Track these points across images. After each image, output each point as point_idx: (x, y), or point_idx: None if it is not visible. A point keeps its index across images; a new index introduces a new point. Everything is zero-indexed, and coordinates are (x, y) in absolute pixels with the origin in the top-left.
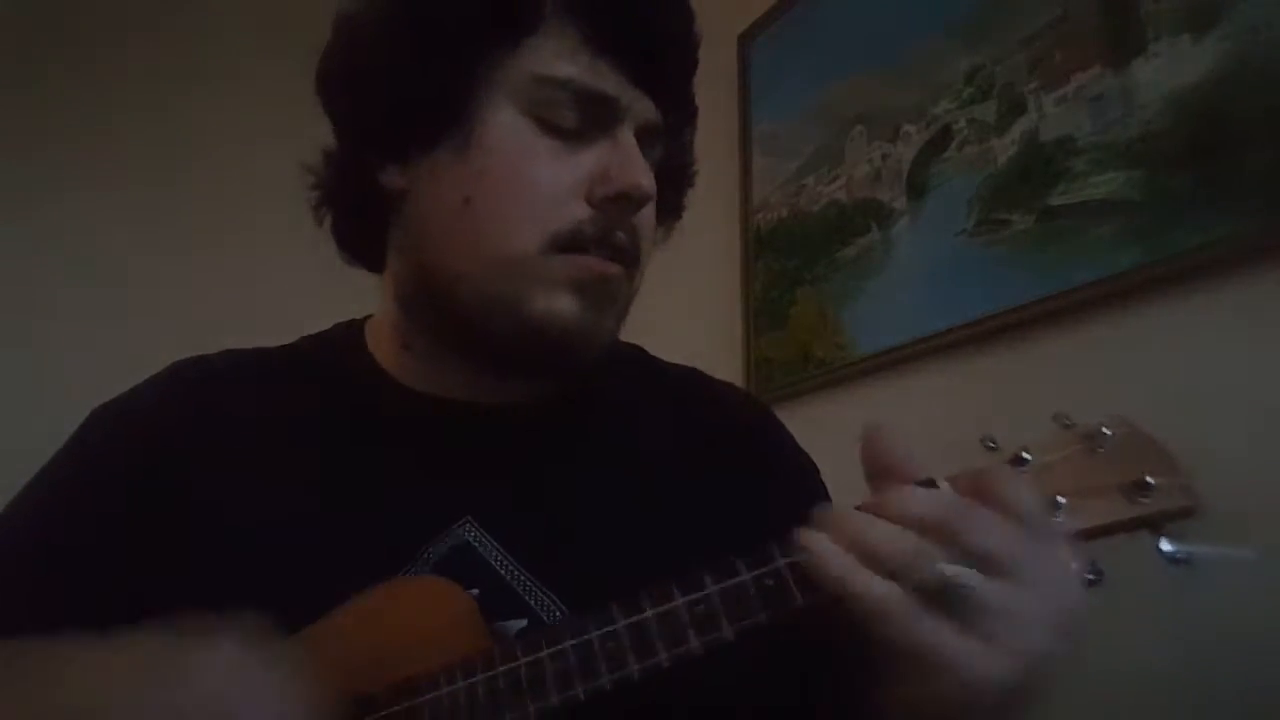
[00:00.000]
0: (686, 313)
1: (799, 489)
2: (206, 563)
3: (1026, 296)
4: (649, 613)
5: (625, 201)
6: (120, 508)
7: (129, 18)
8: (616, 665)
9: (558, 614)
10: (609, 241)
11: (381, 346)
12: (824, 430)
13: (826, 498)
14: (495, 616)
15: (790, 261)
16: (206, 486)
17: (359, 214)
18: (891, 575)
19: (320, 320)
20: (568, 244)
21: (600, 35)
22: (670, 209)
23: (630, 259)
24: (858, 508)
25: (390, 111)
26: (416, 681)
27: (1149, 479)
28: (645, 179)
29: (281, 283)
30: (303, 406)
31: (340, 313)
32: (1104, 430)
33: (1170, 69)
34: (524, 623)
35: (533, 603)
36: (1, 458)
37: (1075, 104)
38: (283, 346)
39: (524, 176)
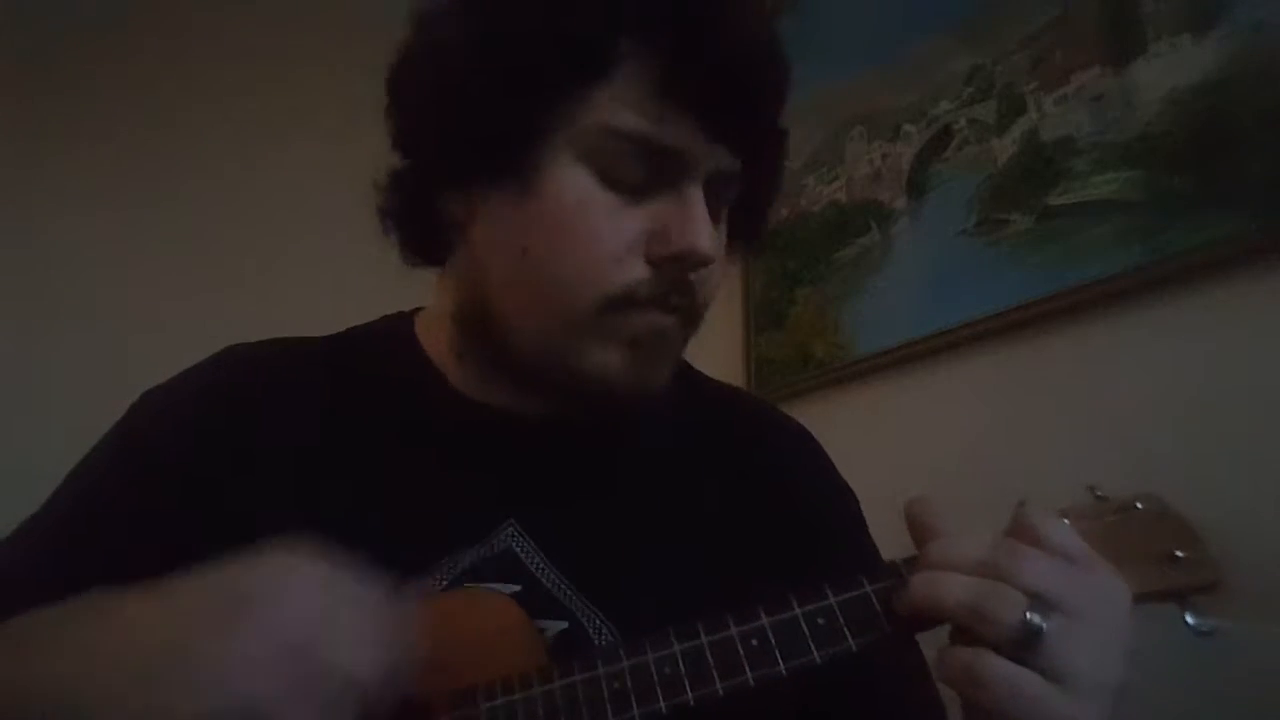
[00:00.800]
0: None
1: (836, 518)
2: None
3: (1026, 296)
4: (704, 639)
5: (682, 264)
6: (159, 495)
7: (137, 21)
8: (673, 690)
9: (597, 621)
10: (665, 302)
11: (436, 346)
12: (824, 430)
13: (863, 525)
14: (534, 617)
15: (790, 261)
16: (248, 478)
17: (421, 230)
18: (969, 630)
19: (327, 321)
20: (622, 303)
21: (672, 86)
22: (747, 234)
23: (688, 315)
24: (905, 560)
25: (453, 143)
26: (474, 691)
27: (1178, 552)
28: (704, 241)
29: (289, 285)
30: (350, 400)
31: (355, 314)
32: (1136, 504)
33: (1170, 69)
34: (564, 624)
35: (572, 607)
36: (2, 458)
37: (1075, 104)
38: (330, 337)
39: (581, 232)
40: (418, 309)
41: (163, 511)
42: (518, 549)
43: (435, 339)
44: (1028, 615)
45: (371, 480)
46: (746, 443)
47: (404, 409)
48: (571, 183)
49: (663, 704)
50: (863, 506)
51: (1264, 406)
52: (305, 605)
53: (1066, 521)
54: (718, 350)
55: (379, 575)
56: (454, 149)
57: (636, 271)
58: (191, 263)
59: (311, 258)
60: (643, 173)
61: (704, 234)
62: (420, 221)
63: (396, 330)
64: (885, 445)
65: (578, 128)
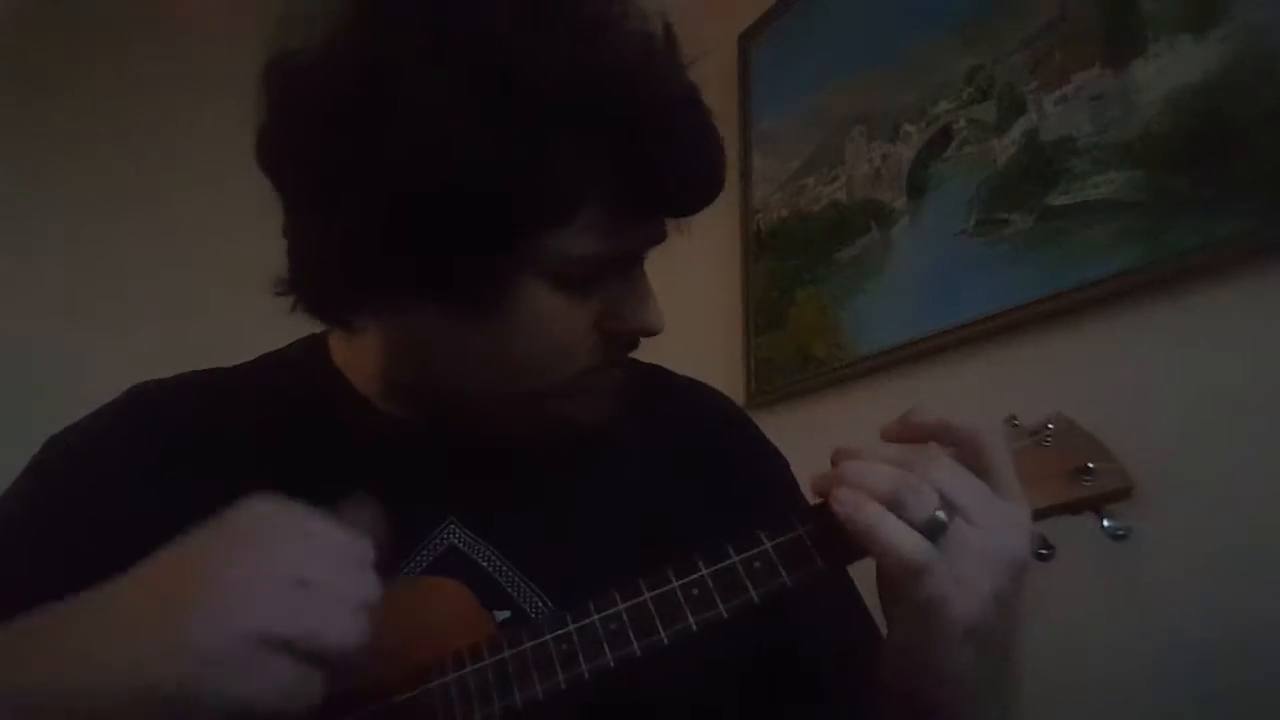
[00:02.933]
0: (686, 313)
1: (771, 483)
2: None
3: (1026, 296)
4: (647, 595)
5: (636, 339)
6: (83, 541)
7: (130, 23)
8: (619, 643)
9: (540, 604)
10: (620, 361)
11: (357, 371)
12: (824, 430)
13: (795, 487)
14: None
15: (790, 261)
16: (175, 515)
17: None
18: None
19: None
20: (584, 375)
21: (631, 210)
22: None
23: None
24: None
25: (386, 272)
26: (426, 668)
27: (1090, 464)
28: (656, 318)
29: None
30: (271, 426)
31: None
32: (1048, 425)
33: (1170, 69)
34: (507, 614)
35: (515, 594)
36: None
37: (1075, 104)
38: (242, 366)
39: (542, 340)
40: (328, 331)
41: (80, 560)
42: (460, 544)
43: (357, 366)
44: (936, 511)
45: (304, 499)
46: (674, 419)
47: (328, 428)
48: (530, 300)
49: (610, 657)
50: None
51: (1264, 406)
52: (300, 537)
53: (997, 432)
54: (718, 350)
55: None
56: (387, 278)
57: (593, 351)
58: (191, 258)
59: None
60: (598, 275)
61: (654, 311)
62: (326, 306)
63: (311, 353)
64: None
65: (538, 256)
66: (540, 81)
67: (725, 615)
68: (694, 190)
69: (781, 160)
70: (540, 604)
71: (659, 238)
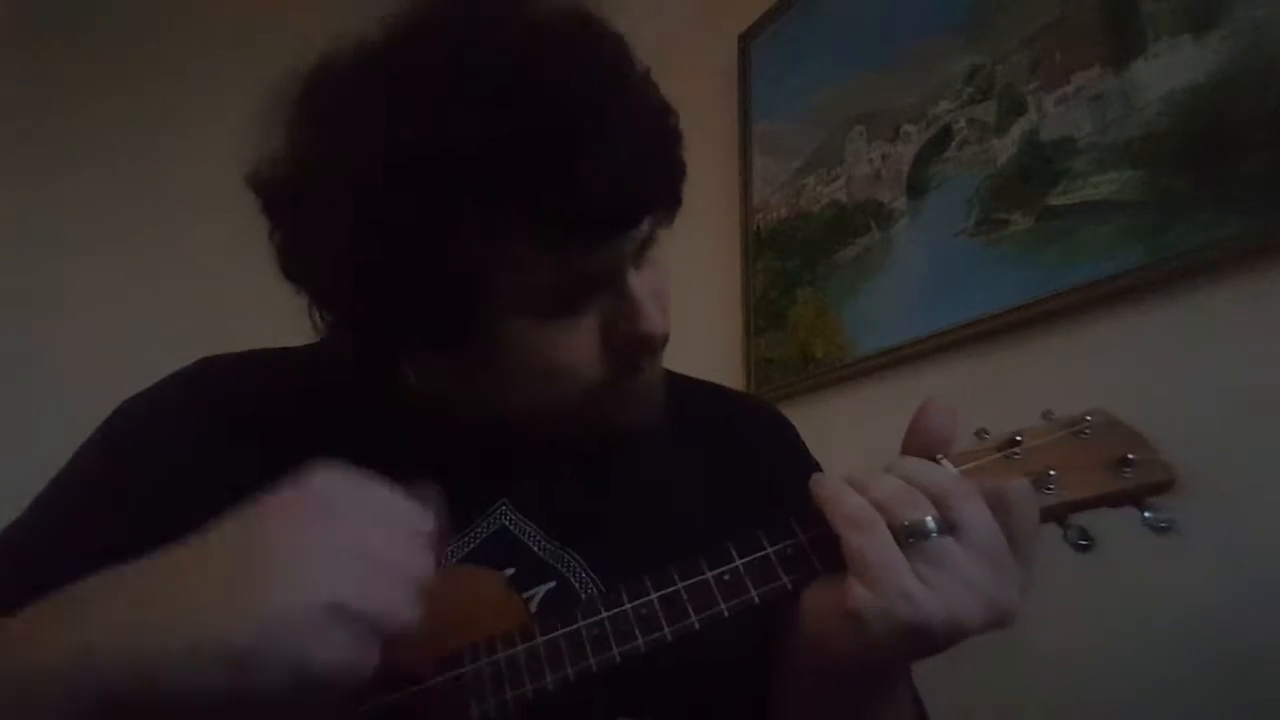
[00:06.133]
0: (686, 313)
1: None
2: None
3: (1026, 296)
4: (679, 585)
5: (642, 349)
6: (149, 503)
7: (130, 14)
8: (650, 628)
9: (584, 575)
10: (636, 367)
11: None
12: (824, 430)
13: None
14: (528, 587)
15: (790, 261)
16: (238, 487)
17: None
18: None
19: None
20: (599, 386)
21: (578, 234)
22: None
23: (659, 351)
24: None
25: (388, 324)
26: (459, 653)
27: (1130, 455)
28: (657, 323)
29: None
30: (332, 407)
31: None
32: (1086, 418)
33: (1170, 69)
34: (553, 584)
35: (561, 567)
36: (1, 456)
37: (1075, 104)
38: (307, 345)
39: (544, 367)
40: None
41: (148, 524)
42: (510, 525)
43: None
44: (928, 519)
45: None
46: (721, 423)
47: (387, 412)
48: (521, 337)
49: (641, 640)
50: None
51: (1264, 406)
52: (367, 508)
53: (1035, 490)
54: (718, 350)
55: None
56: (392, 326)
57: (600, 365)
58: (192, 255)
59: None
60: (581, 296)
61: (654, 316)
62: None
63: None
64: (885, 445)
65: (508, 294)
66: (451, 140)
67: (758, 602)
68: (619, 209)
69: (781, 160)
70: (585, 577)
71: (640, 246)
